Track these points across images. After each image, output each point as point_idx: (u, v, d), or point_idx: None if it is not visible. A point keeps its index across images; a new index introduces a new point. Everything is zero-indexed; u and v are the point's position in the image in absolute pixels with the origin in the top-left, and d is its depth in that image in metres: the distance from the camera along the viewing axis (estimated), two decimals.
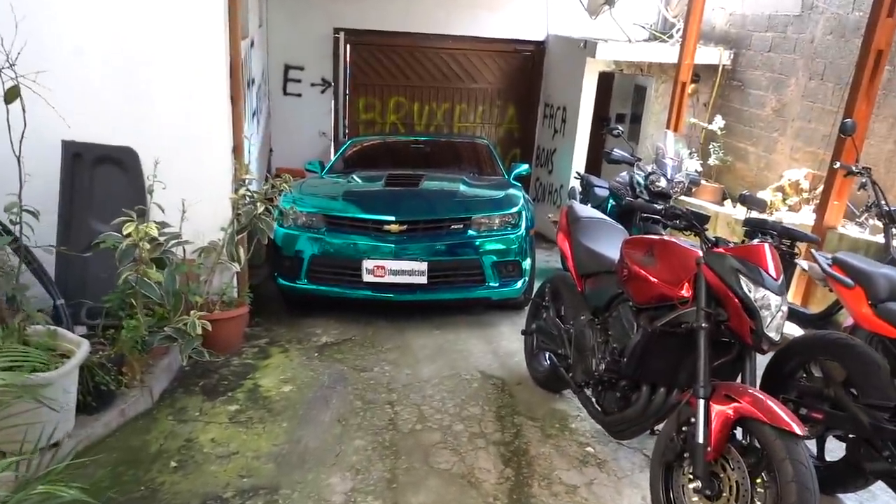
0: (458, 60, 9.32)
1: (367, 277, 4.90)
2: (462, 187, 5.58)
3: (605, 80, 8.69)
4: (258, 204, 4.49)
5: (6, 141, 3.83)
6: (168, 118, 4.29)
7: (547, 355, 4.10)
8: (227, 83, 4.41)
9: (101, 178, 4.30)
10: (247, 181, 4.67)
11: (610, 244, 3.68)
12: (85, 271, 4.15)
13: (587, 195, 7.00)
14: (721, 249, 2.73)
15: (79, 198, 4.28)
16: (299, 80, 9.01)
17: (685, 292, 2.77)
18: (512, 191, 5.62)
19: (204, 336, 4.26)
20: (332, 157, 6.86)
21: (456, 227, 5.07)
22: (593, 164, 9.04)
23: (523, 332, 4.26)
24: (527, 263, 5.24)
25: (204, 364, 4.21)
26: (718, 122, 7.77)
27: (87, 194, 4.28)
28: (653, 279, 2.95)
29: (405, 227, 4.96)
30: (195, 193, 4.37)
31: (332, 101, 9.13)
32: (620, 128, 6.35)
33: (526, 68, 9.45)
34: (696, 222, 2.90)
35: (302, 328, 5.03)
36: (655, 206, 5.75)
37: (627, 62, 8.29)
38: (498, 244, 5.09)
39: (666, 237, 3.19)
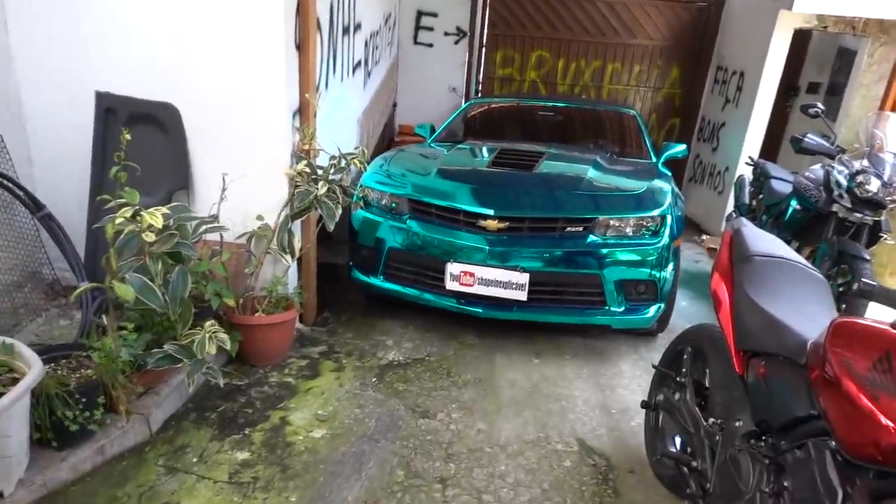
0: (616, 11, 7.64)
1: (450, 285, 3.71)
2: (591, 173, 4.17)
3: (798, 40, 6.68)
4: (320, 183, 3.42)
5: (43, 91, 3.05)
6: (211, 69, 3.29)
7: (676, 439, 2.74)
8: (288, 25, 3.32)
9: (139, 138, 3.37)
10: (314, 152, 3.61)
11: (802, 307, 2.22)
12: None
13: (760, 188, 5.29)
14: None
15: (113, 161, 3.43)
16: (432, 28, 7.81)
17: None
18: (658, 183, 4.13)
19: (241, 343, 3.35)
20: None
21: (574, 228, 3.71)
22: (770, 148, 7.12)
23: (644, 406, 2.89)
24: (666, 283, 3.79)
25: (238, 374, 3.30)
26: None
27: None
28: (888, 423, 1.52)
29: (506, 224, 3.68)
30: (243, 165, 3.39)
31: (467, 54, 7.86)
32: (820, 105, 4.56)
33: (698, 23, 7.58)
34: None
35: (372, 334, 3.98)
36: (864, 216, 4.09)
37: (836, 17, 6.23)
38: (629, 256, 3.68)
39: None
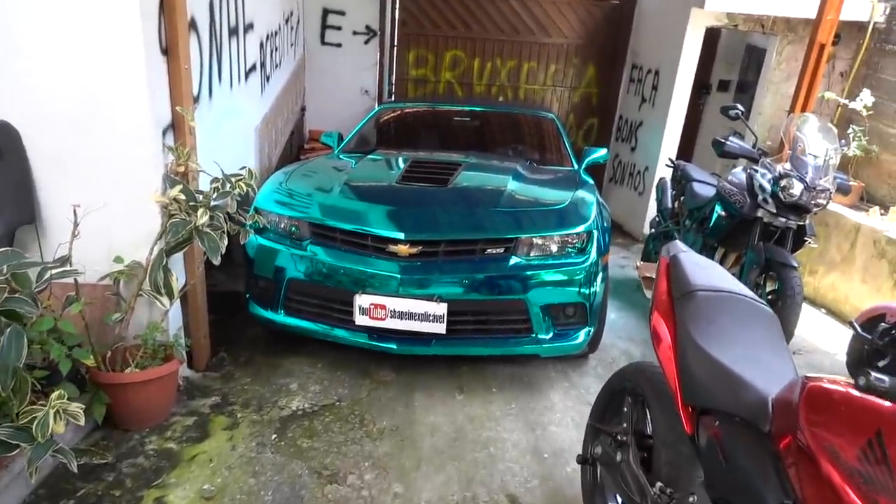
0: (530, 9, 7.32)
1: (360, 319, 3.24)
2: (511, 185, 3.79)
3: (708, 38, 6.55)
4: (199, 210, 2.86)
5: None
6: (57, 78, 2.68)
7: (618, 497, 2.38)
8: (149, 25, 2.74)
9: None
10: (192, 174, 3.06)
11: (756, 353, 1.89)
12: None
13: (682, 191, 5.07)
14: None
15: None
16: (339, 28, 7.26)
17: None
18: (581, 193, 3.79)
19: (111, 405, 2.77)
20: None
21: (494, 250, 3.30)
22: (685, 147, 6.99)
23: (580, 461, 2.51)
24: (595, 304, 3.45)
25: (105, 445, 2.72)
26: (865, 99, 5.58)
27: None
28: None
29: (419, 248, 3.24)
30: (104, 193, 2.80)
31: (378, 54, 7.36)
32: (740, 107, 4.35)
33: (612, 20, 7.36)
34: None
35: (274, 376, 3.45)
36: (789, 220, 3.88)
37: (745, 15, 6.12)
38: (554, 277, 3.31)
39: None
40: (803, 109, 5.41)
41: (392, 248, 3.23)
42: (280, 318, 3.45)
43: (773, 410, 1.64)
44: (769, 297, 3.98)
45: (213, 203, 2.98)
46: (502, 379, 3.59)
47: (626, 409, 2.29)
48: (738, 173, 4.35)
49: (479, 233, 3.31)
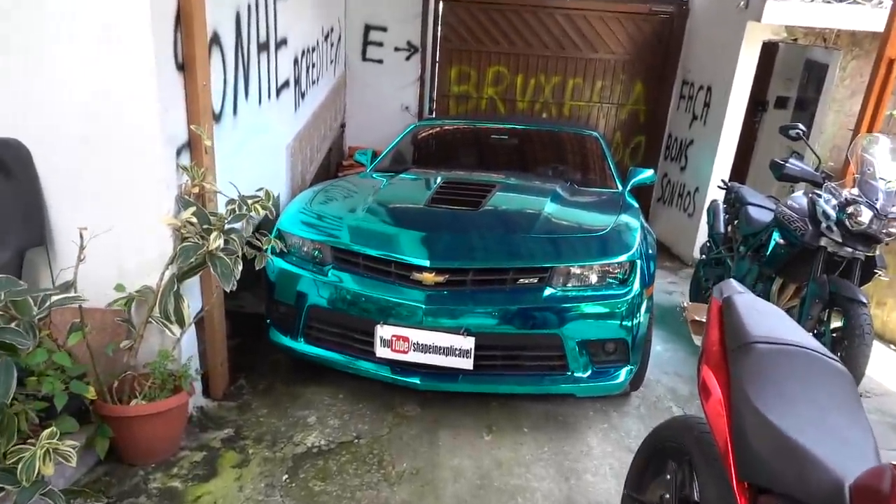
0: (576, 24, 7.04)
1: (381, 351, 3.00)
2: (549, 207, 3.51)
3: (765, 53, 6.14)
4: (213, 234, 2.68)
5: None
6: (66, 95, 2.54)
7: None
8: (163, 40, 2.59)
9: None
10: (207, 195, 2.89)
11: (829, 423, 1.56)
12: None
13: (735, 215, 4.68)
14: None
15: None
16: (381, 44, 7.12)
17: None
18: (625, 218, 3.48)
19: (115, 439, 2.61)
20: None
21: (528, 280, 3.03)
22: (739, 167, 6.57)
23: None
24: (638, 340, 3.13)
25: (99, 484, 2.54)
26: None
27: None
28: None
29: (445, 276, 2.99)
30: (114, 215, 2.65)
31: (419, 70, 7.19)
32: (801, 126, 3.97)
33: (662, 35, 7.01)
34: None
35: (293, 408, 3.24)
36: (856, 251, 3.51)
37: (806, 28, 5.71)
38: (593, 310, 3.00)
39: None
40: (870, 129, 4.97)
41: (417, 275, 2.99)
42: (300, 346, 3.24)
43: (852, 500, 1.32)
44: (833, 335, 3.57)
45: (227, 226, 2.80)
46: (535, 417, 3.30)
47: (668, 476, 1.97)
48: (799, 198, 3.95)
49: (511, 261, 3.04)
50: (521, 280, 3.01)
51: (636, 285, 3.09)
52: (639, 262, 3.13)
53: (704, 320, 2.13)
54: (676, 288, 5.60)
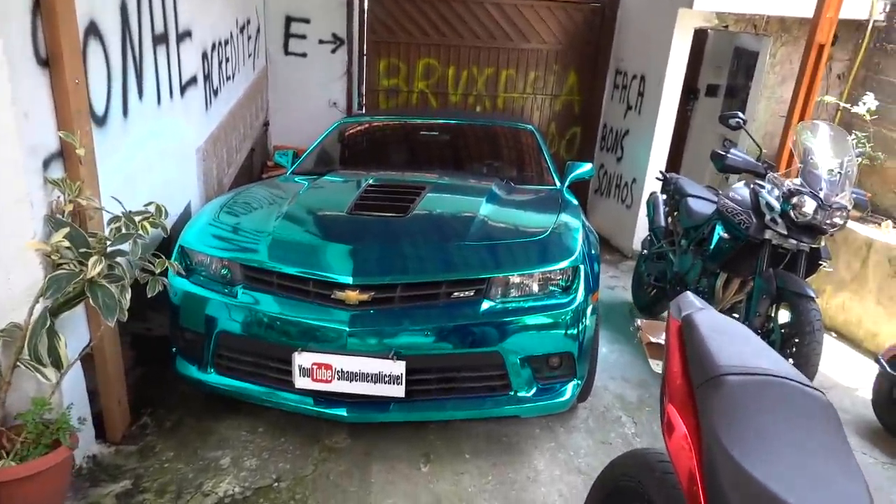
0: (507, 13, 6.74)
1: (301, 381, 2.62)
2: (484, 209, 3.20)
3: (695, 41, 5.99)
4: (92, 259, 2.24)
5: None
6: None
7: None
8: (17, 30, 2.13)
9: None
10: (85, 213, 2.44)
11: (814, 469, 1.31)
12: None
13: (675, 207, 4.49)
14: None
15: None
16: (304, 36, 6.65)
17: None
18: (565, 217, 3.21)
19: None
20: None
21: (463, 293, 2.70)
22: (674, 156, 6.44)
23: None
24: (584, 352, 2.85)
25: None
26: (869, 102, 5.05)
27: None
28: None
29: (370, 294, 2.63)
30: None
31: (346, 63, 6.76)
32: (741, 115, 3.78)
33: (593, 24, 6.80)
34: None
35: (204, 448, 2.82)
36: (801, 243, 3.35)
37: (736, 15, 5.58)
38: (535, 322, 2.71)
39: None
40: (802, 115, 4.88)
41: (338, 294, 2.61)
42: (210, 378, 2.83)
43: None
44: (783, 330, 3.41)
45: (111, 248, 2.36)
46: (476, 440, 2.99)
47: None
48: (740, 189, 3.78)
49: (444, 273, 2.71)
50: (456, 294, 2.69)
51: (580, 292, 2.81)
52: (582, 266, 2.85)
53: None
54: (618, 282, 5.41)
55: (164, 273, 2.50)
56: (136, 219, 2.43)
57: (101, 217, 2.52)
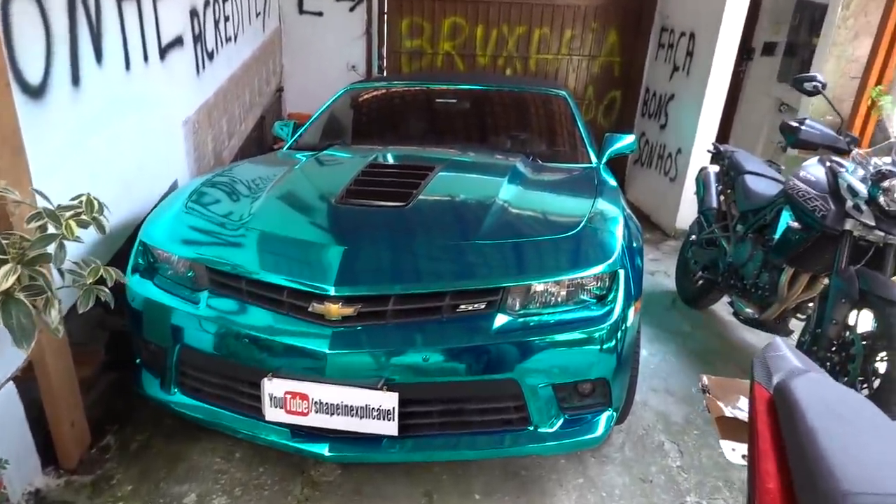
0: None
1: (272, 413, 2.10)
2: (504, 193, 2.60)
3: None
4: (4, 268, 1.74)
5: None
6: None
7: None
8: None
9: None
10: (6, 207, 1.93)
11: None
12: None
13: (730, 187, 3.79)
14: None
15: None
16: None
17: None
18: (602, 205, 2.58)
19: None
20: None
21: (471, 306, 2.13)
22: (723, 125, 5.65)
23: None
24: (622, 376, 2.27)
25: None
26: None
27: None
28: None
29: (356, 307, 2.07)
30: None
31: (365, 23, 6.12)
32: (821, 77, 3.06)
33: None
34: None
35: (169, 478, 2.35)
36: (890, 236, 2.63)
37: None
38: (562, 340, 2.13)
39: None
40: (880, 77, 4.11)
41: (317, 306, 2.07)
42: (176, 399, 2.34)
43: None
44: (865, 342, 2.75)
45: (35, 253, 1.85)
46: (489, 475, 2.45)
47: None
48: (813, 168, 3.06)
49: (448, 281, 2.13)
50: (463, 306, 2.11)
51: (619, 302, 2.21)
52: (621, 271, 2.24)
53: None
54: (659, 266, 4.76)
55: (103, 282, 1.99)
56: (66, 215, 1.91)
57: (24, 213, 2.01)
